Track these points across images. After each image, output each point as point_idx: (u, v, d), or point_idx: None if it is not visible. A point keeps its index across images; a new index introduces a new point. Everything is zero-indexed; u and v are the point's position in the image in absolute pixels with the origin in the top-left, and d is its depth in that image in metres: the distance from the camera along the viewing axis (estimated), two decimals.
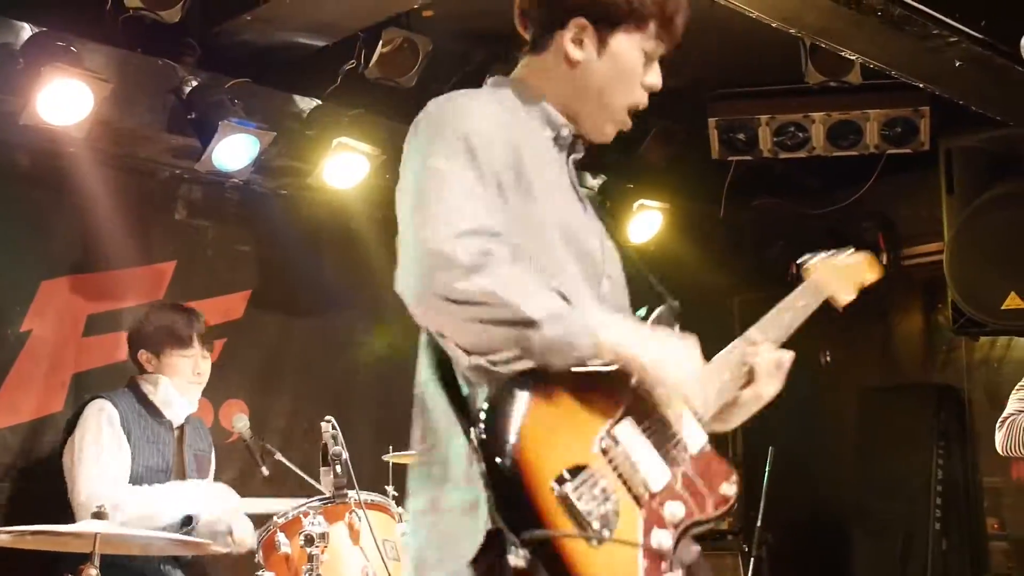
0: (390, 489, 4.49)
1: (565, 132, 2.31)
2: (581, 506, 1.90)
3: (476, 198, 2.04)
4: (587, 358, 2.01)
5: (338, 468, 4.10)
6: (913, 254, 6.94)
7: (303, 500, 4.24)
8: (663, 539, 1.99)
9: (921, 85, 5.33)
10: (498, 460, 1.88)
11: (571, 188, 2.30)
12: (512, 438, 1.90)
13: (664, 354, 2.07)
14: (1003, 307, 5.90)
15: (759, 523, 5.91)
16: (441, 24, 5.36)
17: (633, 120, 2.40)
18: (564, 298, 2.03)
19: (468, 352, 2.02)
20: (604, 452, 2.00)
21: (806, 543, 6.67)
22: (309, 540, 3.96)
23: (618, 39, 2.28)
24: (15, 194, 5.06)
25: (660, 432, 2.11)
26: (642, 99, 2.34)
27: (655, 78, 2.34)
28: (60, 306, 5.14)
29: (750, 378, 2.37)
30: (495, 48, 5.75)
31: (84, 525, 3.73)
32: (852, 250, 2.75)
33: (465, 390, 2.05)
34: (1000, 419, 4.20)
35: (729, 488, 2.15)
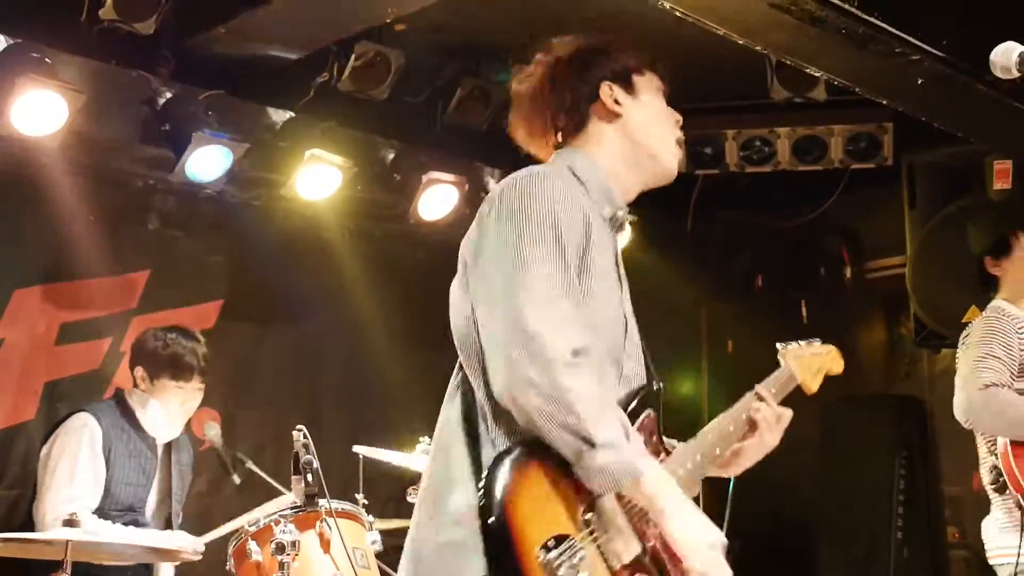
0: (360, 497, 4.52)
1: (621, 214, 2.51)
2: (561, 573, 2.08)
3: (565, 291, 2.21)
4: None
5: (309, 477, 4.13)
6: (876, 267, 7.02)
7: (270, 507, 4.26)
8: None
9: (885, 102, 5.39)
10: (491, 521, 2.10)
11: (615, 268, 2.45)
12: (506, 504, 2.11)
13: (690, 532, 2.24)
14: (964, 320, 5.97)
15: (723, 532, 5.94)
16: (413, 38, 5.40)
17: None
18: (625, 429, 2.18)
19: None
20: (587, 524, 2.17)
21: (770, 552, 6.71)
22: (280, 548, 3.98)
23: (639, 83, 2.56)
24: None
25: (636, 510, 2.25)
26: (679, 132, 2.60)
27: (675, 113, 2.60)
28: (33, 314, 5.14)
29: (752, 428, 2.60)
30: (466, 62, 5.82)
31: (56, 533, 3.74)
32: (819, 342, 3.01)
33: (486, 449, 2.22)
34: (963, 377, 4.04)
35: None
